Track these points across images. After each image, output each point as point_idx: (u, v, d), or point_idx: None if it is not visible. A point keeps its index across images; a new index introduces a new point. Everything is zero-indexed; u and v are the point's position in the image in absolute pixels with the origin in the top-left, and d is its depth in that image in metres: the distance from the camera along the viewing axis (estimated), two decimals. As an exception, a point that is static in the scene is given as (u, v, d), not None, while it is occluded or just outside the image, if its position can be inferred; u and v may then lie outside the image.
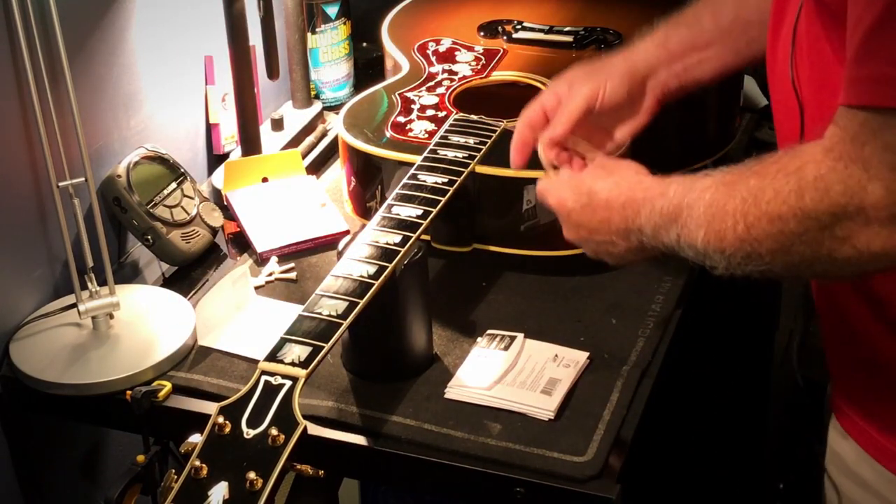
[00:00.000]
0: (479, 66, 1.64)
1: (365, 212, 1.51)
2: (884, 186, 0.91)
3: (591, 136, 1.31)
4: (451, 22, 1.79)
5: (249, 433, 0.95)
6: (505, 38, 1.72)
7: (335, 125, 1.74)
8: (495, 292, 1.41)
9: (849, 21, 0.94)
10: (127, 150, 1.50)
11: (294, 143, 1.74)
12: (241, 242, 1.55)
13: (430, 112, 1.52)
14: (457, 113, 1.51)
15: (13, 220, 1.36)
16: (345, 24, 1.87)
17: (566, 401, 1.22)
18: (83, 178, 1.34)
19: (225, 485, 0.90)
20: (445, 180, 1.34)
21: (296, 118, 1.79)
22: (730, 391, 2.00)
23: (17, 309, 1.38)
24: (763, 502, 1.97)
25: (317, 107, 1.83)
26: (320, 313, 1.12)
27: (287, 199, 1.58)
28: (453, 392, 1.24)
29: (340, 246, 1.26)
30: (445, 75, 1.62)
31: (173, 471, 0.97)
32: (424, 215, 1.28)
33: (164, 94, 1.60)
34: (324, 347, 1.07)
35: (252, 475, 0.91)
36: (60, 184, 1.32)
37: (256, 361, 1.05)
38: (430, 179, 1.34)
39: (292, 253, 1.51)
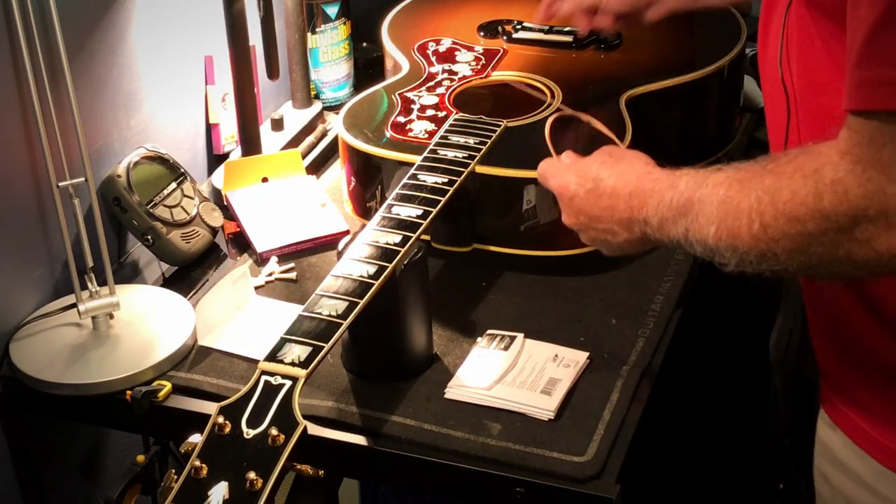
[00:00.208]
0: (478, 66, 1.64)
1: (365, 212, 1.51)
2: None
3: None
4: (451, 22, 1.79)
5: (249, 433, 0.95)
6: (505, 38, 1.72)
7: (335, 125, 1.74)
8: (495, 292, 1.41)
9: (849, 21, 0.93)
10: (127, 150, 1.50)
11: (294, 143, 1.74)
12: (241, 242, 1.55)
13: (430, 112, 1.52)
14: (457, 113, 1.51)
15: (13, 220, 1.36)
16: (345, 24, 1.87)
17: (566, 401, 1.22)
18: (83, 178, 1.34)
19: (225, 485, 0.90)
20: (445, 180, 1.34)
21: (296, 118, 1.79)
22: (730, 391, 2.00)
23: (17, 309, 1.38)
24: (763, 502, 1.96)
25: (317, 107, 1.83)
26: (320, 313, 1.11)
27: (287, 199, 1.58)
28: (453, 392, 1.24)
29: (340, 246, 1.26)
30: (445, 75, 1.62)
31: (173, 471, 0.97)
32: (424, 215, 1.27)
33: (164, 94, 1.60)
34: (324, 347, 1.07)
35: (252, 475, 0.91)
36: (60, 184, 1.32)
37: (256, 361, 1.05)
38: (430, 179, 1.34)
39: (292, 253, 1.51)
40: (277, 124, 1.75)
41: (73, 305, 1.34)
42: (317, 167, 1.73)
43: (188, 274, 1.50)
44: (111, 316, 1.36)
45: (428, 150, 1.41)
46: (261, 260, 1.50)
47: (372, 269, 1.18)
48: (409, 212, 1.28)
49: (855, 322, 1.11)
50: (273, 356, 1.05)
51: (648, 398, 1.23)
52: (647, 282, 1.40)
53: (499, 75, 1.63)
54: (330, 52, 1.86)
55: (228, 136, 1.72)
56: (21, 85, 1.31)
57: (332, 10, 1.83)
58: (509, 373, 1.25)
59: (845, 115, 0.93)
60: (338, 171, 1.65)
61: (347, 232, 1.51)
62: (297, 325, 1.10)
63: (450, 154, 1.39)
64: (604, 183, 1.15)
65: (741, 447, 2.04)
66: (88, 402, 1.29)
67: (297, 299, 1.40)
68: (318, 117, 1.82)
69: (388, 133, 1.49)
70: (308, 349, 1.06)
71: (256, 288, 1.44)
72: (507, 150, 1.42)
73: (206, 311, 1.34)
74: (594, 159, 1.20)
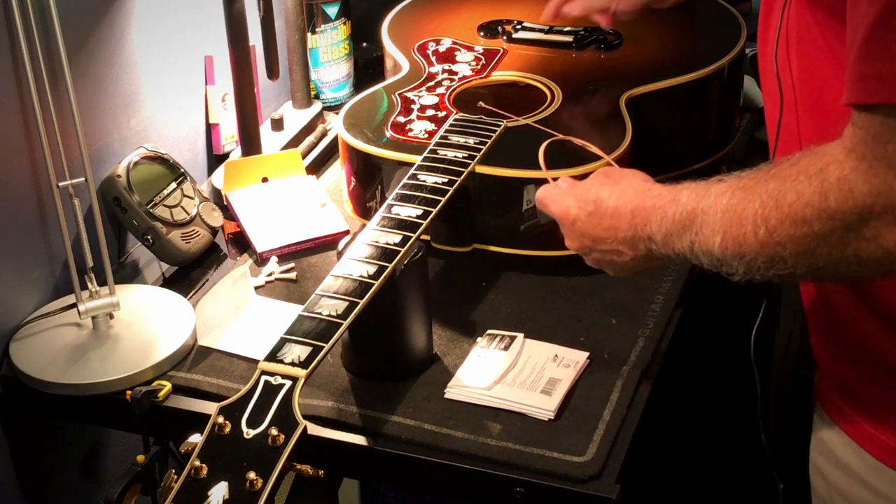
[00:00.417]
0: (478, 66, 1.64)
1: (365, 212, 1.51)
2: None
3: None
4: (451, 22, 1.79)
5: (249, 433, 0.95)
6: (505, 38, 1.72)
7: (335, 125, 1.74)
8: (495, 292, 1.41)
9: (849, 16, 0.93)
10: (127, 150, 1.50)
11: (294, 143, 1.74)
12: (241, 242, 1.55)
13: (430, 112, 1.52)
14: (457, 113, 1.51)
15: (13, 220, 1.36)
16: (345, 24, 1.87)
17: (566, 401, 1.22)
18: (83, 178, 1.34)
19: (225, 485, 0.90)
20: (445, 180, 1.34)
21: (296, 118, 1.79)
22: (729, 391, 2.00)
23: (17, 309, 1.38)
24: (763, 502, 1.96)
25: (317, 107, 1.83)
26: (320, 313, 1.12)
27: (287, 199, 1.58)
28: (453, 392, 1.24)
29: (340, 246, 1.26)
30: (445, 75, 1.62)
31: (173, 471, 0.97)
32: (424, 215, 1.27)
33: (164, 94, 1.60)
34: (324, 347, 1.07)
35: (252, 475, 0.91)
36: (60, 184, 1.32)
37: (256, 361, 1.05)
38: (430, 179, 1.34)
39: (292, 253, 1.51)
40: (277, 124, 1.75)
41: (73, 305, 1.34)
42: (317, 167, 1.73)
43: (188, 274, 1.50)
44: (111, 316, 1.36)
45: (428, 150, 1.41)
46: (261, 260, 1.50)
47: (372, 269, 1.18)
48: (409, 212, 1.28)
49: (852, 318, 1.11)
50: (273, 356, 1.05)
51: (648, 398, 1.23)
52: (647, 282, 1.40)
53: (499, 75, 1.63)
54: (330, 52, 1.86)
55: (228, 136, 1.72)
56: (21, 85, 1.31)
57: (332, 10, 1.83)
58: (509, 373, 1.25)
59: (846, 109, 0.93)
60: (338, 171, 1.65)
61: (347, 232, 1.51)
62: (297, 325, 1.10)
63: (450, 154, 1.39)
64: (605, 204, 1.14)
65: (741, 447, 2.05)
66: (88, 402, 1.29)
67: (297, 299, 1.40)
68: (318, 117, 1.82)
69: (388, 133, 1.49)
70: (308, 349, 1.06)
71: (256, 288, 1.44)
72: (508, 150, 1.42)
73: (206, 311, 1.34)
74: (592, 181, 1.19)
